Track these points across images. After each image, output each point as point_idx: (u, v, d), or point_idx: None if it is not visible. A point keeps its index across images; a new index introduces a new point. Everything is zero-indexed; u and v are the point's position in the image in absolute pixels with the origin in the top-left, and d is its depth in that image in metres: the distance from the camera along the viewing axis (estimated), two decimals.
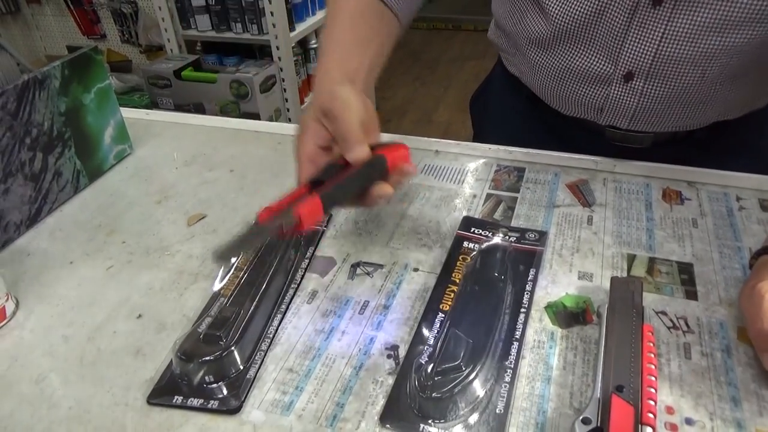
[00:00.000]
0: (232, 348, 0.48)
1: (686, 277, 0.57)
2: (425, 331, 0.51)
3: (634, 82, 0.67)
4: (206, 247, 0.64)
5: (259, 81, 1.89)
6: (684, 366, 0.48)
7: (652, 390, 0.44)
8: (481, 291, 0.55)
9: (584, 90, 0.71)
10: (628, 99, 0.69)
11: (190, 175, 0.78)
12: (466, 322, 0.51)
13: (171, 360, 0.49)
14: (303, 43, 2.16)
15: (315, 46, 2.16)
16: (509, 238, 0.62)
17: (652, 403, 0.43)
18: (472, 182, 0.73)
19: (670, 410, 0.45)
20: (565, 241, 0.62)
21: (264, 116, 1.93)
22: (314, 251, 0.62)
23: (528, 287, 0.56)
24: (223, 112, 1.94)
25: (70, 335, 0.54)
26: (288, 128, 0.90)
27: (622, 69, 0.66)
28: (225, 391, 0.47)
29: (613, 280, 0.53)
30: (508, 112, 0.87)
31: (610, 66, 0.67)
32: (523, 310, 0.53)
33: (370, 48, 0.61)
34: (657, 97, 0.68)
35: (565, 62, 0.71)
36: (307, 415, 0.46)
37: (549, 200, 0.69)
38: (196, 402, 0.46)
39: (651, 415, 0.42)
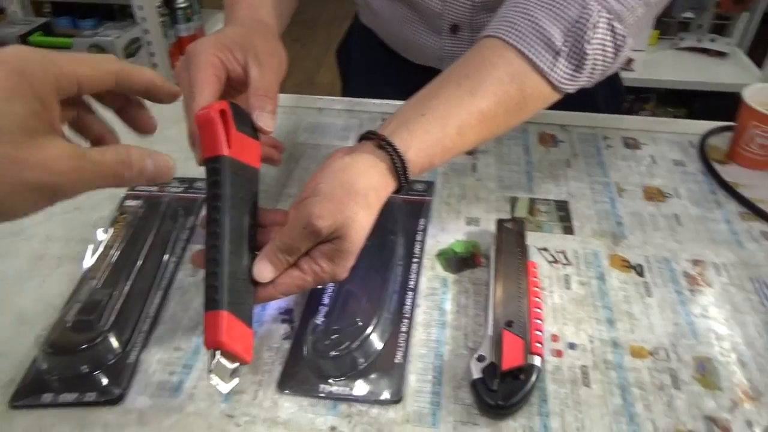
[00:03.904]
0: (108, 333, 0.44)
1: (563, 214, 0.60)
2: (319, 292, 0.50)
3: (461, 33, 0.69)
4: (68, 227, 0.57)
5: (122, 45, 1.73)
6: (565, 296, 0.51)
7: (539, 321, 0.46)
8: (372, 246, 0.53)
9: (423, 39, 0.72)
10: (461, 49, 0.71)
11: None
12: (359, 278, 0.50)
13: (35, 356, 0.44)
14: (169, 3, 1.99)
15: (183, 5, 2.01)
16: None
17: (539, 333, 0.45)
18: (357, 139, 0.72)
19: (555, 338, 0.47)
20: (451, 189, 0.63)
21: None
22: (195, 221, 0.58)
23: (419, 237, 0.56)
24: None
25: None
26: None
27: (448, 22, 0.69)
28: (104, 381, 0.43)
29: (498, 222, 0.55)
30: (368, 62, 0.88)
31: (437, 19, 0.69)
32: (415, 259, 0.53)
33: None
34: None
35: (402, 12, 0.72)
36: (199, 393, 0.43)
37: None
38: (70, 397, 0.42)
39: (538, 345, 0.44)
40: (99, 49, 1.71)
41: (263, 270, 0.42)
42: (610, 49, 0.50)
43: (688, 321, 0.48)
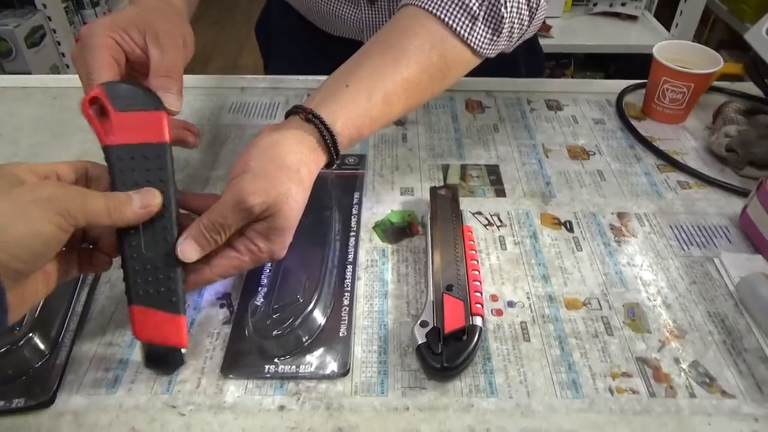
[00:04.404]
0: (30, 335, 0.41)
1: (494, 177, 0.61)
2: (256, 273, 0.48)
3: (379, 3, 0.69)
4: None
5: (23, 34, 1.60)
6: (501, 257, 0.52)
7: (477, 283, 0.47)
8: (308, 222, 0.53)
9: (341, 11, 0.72)
10: (380, 19, 0.71)
11: None
12: (297, 256, 0.49)
13: None
14: None
15: None
16: None
17: (478, 294, 0.46)
18: (284, 116, 0.70)
19: (494, 298, 0.48)
20: (384, 161, 0.63)
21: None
22: None
23: (354, 210, 0.56)
24: None
25: None
26: (65, 80, 0.77)
27: None
28: (31, 385, 0.40)
29: (432, 190, 0.55)
30: (288, 38, 0.86)
31: None
32: (352, 233, 0.53)
33: None
34: None
35: None
36: (137, 387, 0.41)
37: None
38: None
39: (479, 306, 0.45)
40: None
41: (187, 249, 0.40)
42: (525, 12, 0.51)
43: (616, 270, 0.51)
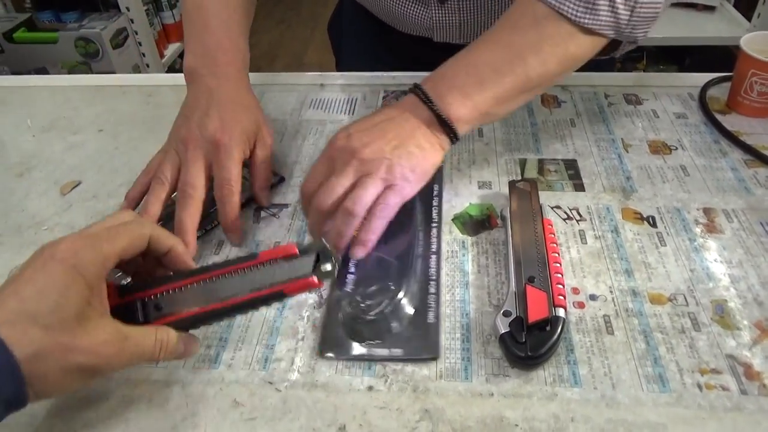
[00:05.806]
0: None
1: (572, 172, 0.61)
2: (344, 263, 0.51)
3: (449, 3, 0.69)
4: (88, 215, 0.58)
5: (108, 36, 1.70)
6: (582, 250, 0.52)
7: (559, 275, 0.47)
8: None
9: (411, 11, 0.72)
10: (450, 18, 0.71)
11: (53, 141, 0.70)
12: (383, 245, 0.51)
13: None
14: None
15: None
16: None
17: (560, 287, 0.46)
18: (363, 111, 0.72)
19: (576, 291, 0.49)
20: (460, 155, 0.64)
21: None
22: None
23: (435, 203, 0.57)
24: (73, 74, 1.74)
25: None
26: (157, 78, 0.82)
27: None
28: None
29: (511, 184, 0.56)
30: (360, 35, 0.88)
31: None
32: (434, 224, 0.54)
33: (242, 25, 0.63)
34: (476, 12, 0.70)
35: None
36: (237, 363, 0.44)
37: None
38: None
39: (561, 297, 0.45)
40: (86, 41, 1.69)
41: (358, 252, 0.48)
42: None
43: (703, 266, 0.50)
